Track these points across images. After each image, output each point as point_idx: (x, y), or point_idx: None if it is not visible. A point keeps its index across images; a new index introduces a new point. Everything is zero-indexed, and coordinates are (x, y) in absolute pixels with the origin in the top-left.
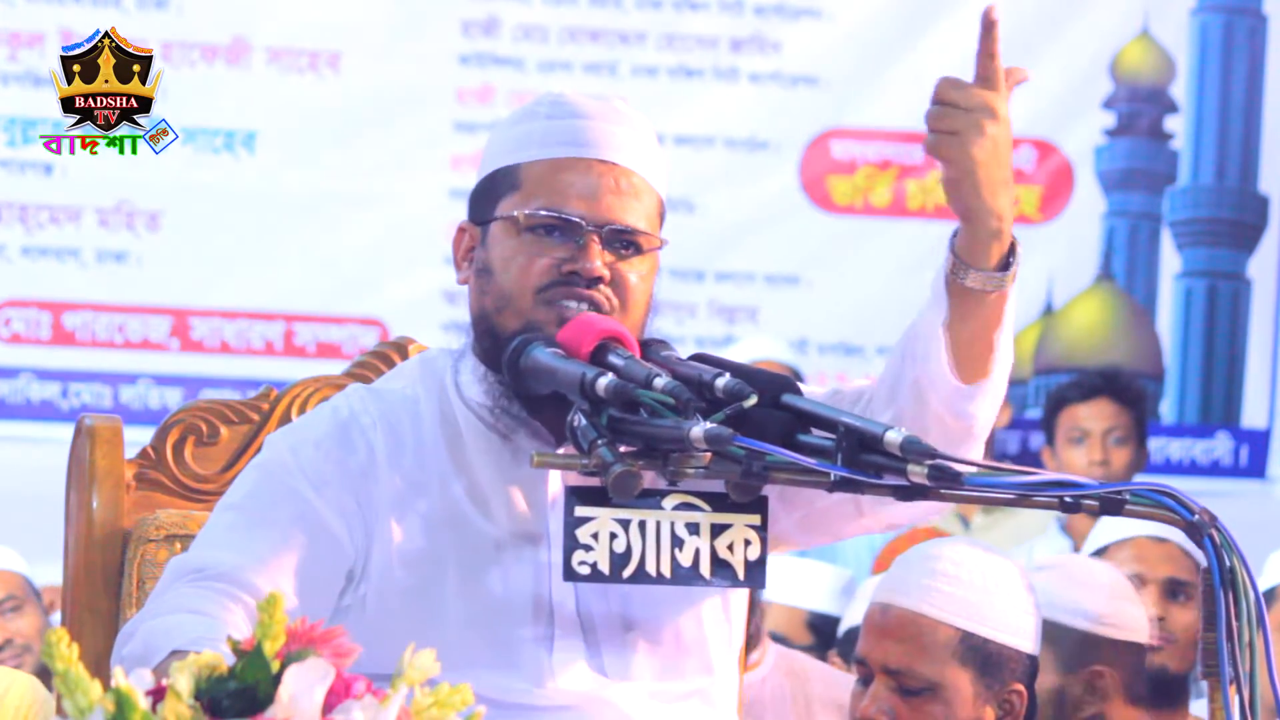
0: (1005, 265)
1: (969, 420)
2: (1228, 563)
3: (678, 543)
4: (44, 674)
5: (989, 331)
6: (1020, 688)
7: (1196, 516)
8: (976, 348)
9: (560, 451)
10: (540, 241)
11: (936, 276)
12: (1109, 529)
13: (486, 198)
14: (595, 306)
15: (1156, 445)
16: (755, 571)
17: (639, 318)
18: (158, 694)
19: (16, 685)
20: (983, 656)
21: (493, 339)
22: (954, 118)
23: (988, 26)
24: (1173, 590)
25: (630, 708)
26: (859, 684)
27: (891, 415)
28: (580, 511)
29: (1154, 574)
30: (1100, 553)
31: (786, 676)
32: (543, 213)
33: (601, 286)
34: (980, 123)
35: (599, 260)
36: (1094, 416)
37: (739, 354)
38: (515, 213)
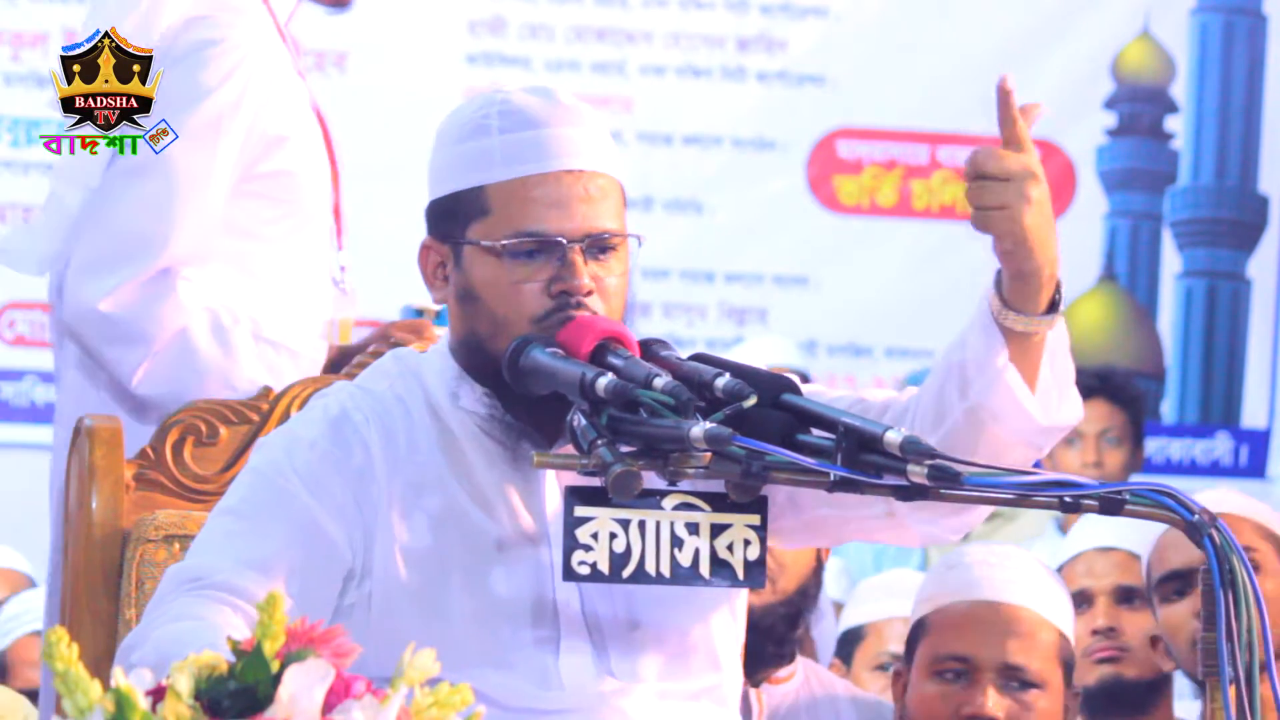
0: (1052, 306)
1: (1043, 448)
2: (1227, 563)
3: (677, 543)
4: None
5: (1034, 366)
6: (1077, 692)
7: (1196, 516)
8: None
9: (560, 451)
10: (523, 265)
11: (982, 312)
12: (1063, 550)
13: (452, 219)
14: None
15: (1157, 445)
16: (755, 571)
17: (620, 316)
18: (158, 694)
19: None
20: (1067, 659)
21: (484, 357)
22: (997, 191)
23: (1004, 96)
24: (1124, 596)
25: (635, 711)
26: (935, 683)
27: (941, 436)
28: (580, 511)
29: (1101, 584)
30: (1058, 573)
31: (817, 689)
32: (523, 238)
33: (591, 298)
34: (1024, 190)
35: (585, 276)
36: (1088, 418)
37: (746, 357)
38: (495, 243)
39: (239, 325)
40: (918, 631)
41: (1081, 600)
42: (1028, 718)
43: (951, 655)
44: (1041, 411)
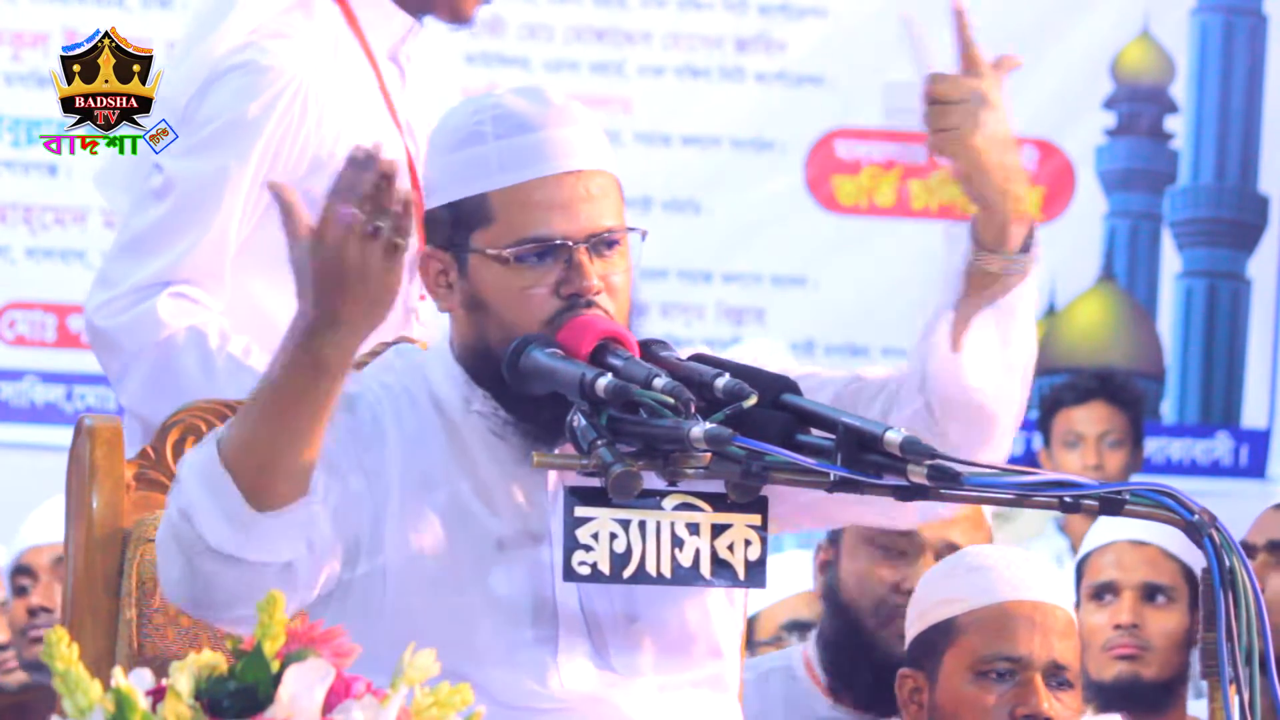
0: (1026, 248)
1: (972, 392)
2: (1228, 563)
3: (678, 543)
4: None
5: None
6: None
7: (1196, 516)
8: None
9: (560, 452)
10: (531, 270)
11: (953, 265)
12: (1091, 537)
13: (453, 228)
14: None
15: (1157, 445)
16: (756, 571)
17: (627, 311)
18: (158, 694)
19: None
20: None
21: (496, 364)
22: (949, 113)
23: (958, 16)
24: (1149, 593)
25: (633, 708)
26: (978, 684)
27: (922, 403)
28: (580, 512)
29: (1129, 579)
30: (1084, 560)
31: None
32: (529, 244)
33: (600, 297)
34: (975, 113)
35: (594, 276)
36: (1088, 420)
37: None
38: (502, 251)
39: (226, 345)
40: (942, 634)
41: (1106, 592)
42: (1067, 717)
43: (1001, 655)
44: (971, 369)
